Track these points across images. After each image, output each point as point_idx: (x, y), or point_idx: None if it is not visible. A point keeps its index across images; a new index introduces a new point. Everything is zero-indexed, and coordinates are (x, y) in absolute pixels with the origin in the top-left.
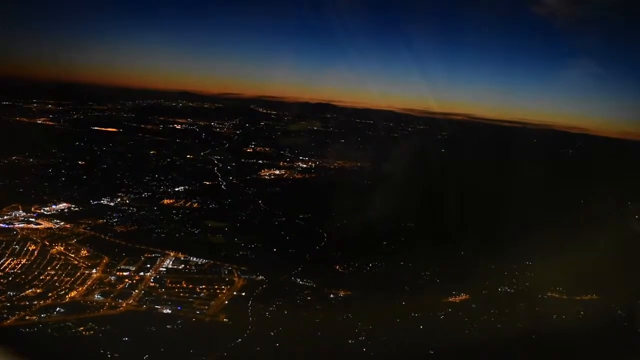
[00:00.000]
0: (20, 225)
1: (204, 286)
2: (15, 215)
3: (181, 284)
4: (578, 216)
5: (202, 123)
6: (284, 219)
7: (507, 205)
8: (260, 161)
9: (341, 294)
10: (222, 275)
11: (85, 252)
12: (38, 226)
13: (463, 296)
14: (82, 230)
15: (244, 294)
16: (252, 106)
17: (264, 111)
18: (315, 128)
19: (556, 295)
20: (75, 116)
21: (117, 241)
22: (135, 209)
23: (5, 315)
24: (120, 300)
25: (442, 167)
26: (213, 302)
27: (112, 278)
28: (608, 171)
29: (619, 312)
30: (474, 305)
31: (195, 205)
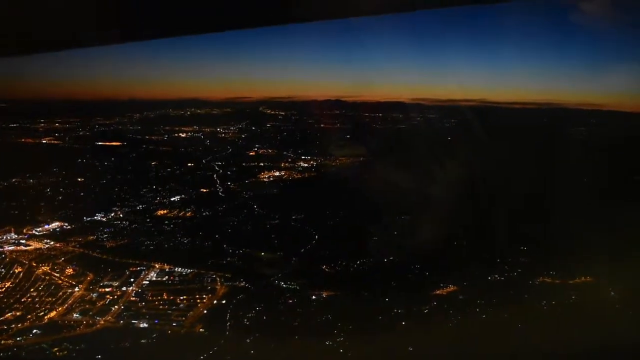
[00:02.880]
0: (10, 248)
1: (184, 297)
2: (6, 238)
3: (162, 296)
4: (581, 195)
5: (207, 129)
6: (276, 221)
7: (505, 189)
8: (262, 164)
9: (324, 294)
10: (205, 284)
11: (71, 270)
12: (27, 247)
13: (451, 288)
14: (70, 248)
15: (224, 301)
16: (260, 108)
17: (272, 112)
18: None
19: (548, 280)
20: (81, 133)
21: (105, 257)
22: (127, 223)
23: None
24: (98, 318)
25: (445, 156)
26: (191, 312)
27: (94, 295)
28: (621, 148)
29: (612, 293)
30: (461, 297)
31: (188, 214)
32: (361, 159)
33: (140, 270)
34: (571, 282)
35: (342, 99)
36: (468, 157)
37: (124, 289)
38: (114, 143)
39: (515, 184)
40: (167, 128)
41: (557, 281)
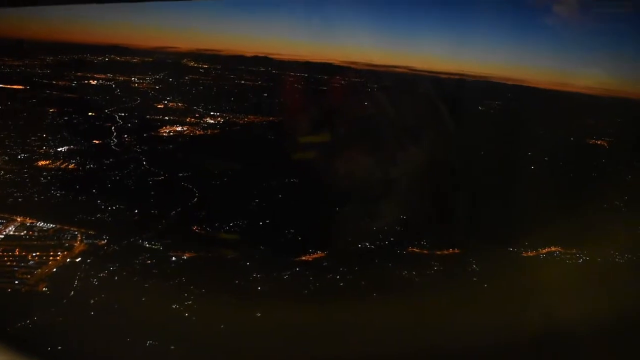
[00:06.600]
0: None
1: (37, 253)
2: None
3: (13, 252)
4: (473, 168)
5: (121, 78)
6: (161, 177)
7: (400, 155)
8: (167, 117)
9: (185, 256)
10: (63, 241)
11: None
12: None
13: (318, 254)
14: None
15: (78, 260)
16: (183, 60)
17: (194, 65)
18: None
19: (417, 250)
20: None
21: None
22: (2, 172)
23: None
24: None
25: (360, 119)
26: (39, 270)
27: None
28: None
29: (474, 265)
30: (325, 264)
31: (71, 166)
32: (271, 118)
33: None
34: (438, 253)
35: (270, 56)
36: (379, 121)
37: None
38: (15, 86)
39: (411, 152)
40: (78, 74)
41: (425, 251)
